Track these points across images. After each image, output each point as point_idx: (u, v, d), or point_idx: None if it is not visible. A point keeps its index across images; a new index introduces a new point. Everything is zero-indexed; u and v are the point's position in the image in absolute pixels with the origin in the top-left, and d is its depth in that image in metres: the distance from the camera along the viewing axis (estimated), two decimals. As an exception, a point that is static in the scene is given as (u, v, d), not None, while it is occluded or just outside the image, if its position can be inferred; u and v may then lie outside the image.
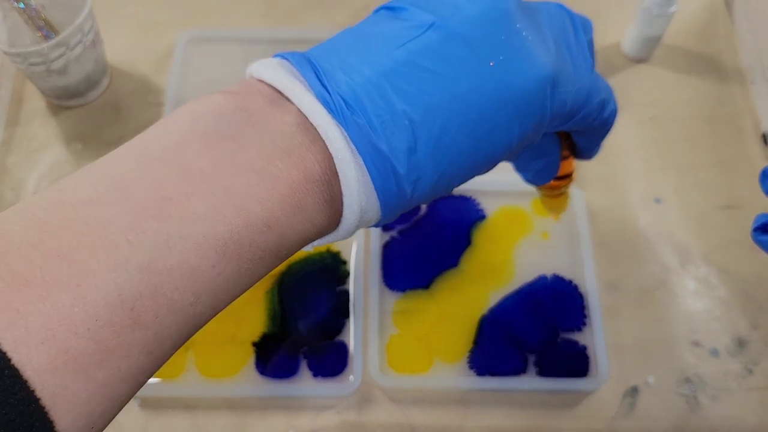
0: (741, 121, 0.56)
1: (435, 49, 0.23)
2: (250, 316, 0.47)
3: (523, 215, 0.51)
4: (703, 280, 0.49)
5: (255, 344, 0.46)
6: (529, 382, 0.45)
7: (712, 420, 0.45)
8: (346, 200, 0.23)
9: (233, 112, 0.22)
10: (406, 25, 0.23)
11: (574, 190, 0.51)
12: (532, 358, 0.46)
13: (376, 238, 0.49)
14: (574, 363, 0.45)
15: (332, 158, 0.22)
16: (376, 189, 0.23)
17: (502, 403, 0.45)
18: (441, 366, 0.45)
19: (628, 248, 0.51)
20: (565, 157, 0.33)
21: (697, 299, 0.49)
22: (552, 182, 0.34)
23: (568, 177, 0.35)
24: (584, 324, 0.47)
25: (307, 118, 0.22)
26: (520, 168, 0.32)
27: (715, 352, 0.47)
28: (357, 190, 0.22)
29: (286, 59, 0.24)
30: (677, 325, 0.48)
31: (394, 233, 0.50)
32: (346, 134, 0.22)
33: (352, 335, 0.46)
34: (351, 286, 0.48)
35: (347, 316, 0.47)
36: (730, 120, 0.56)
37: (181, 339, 0.20)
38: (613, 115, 0.29)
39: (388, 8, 0.25)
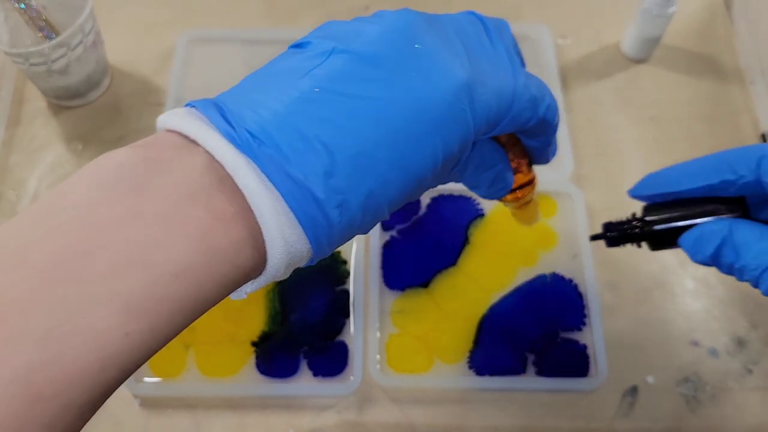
0: (740, 121, 0.56)
1: (339, 72, 0.23)
2: (251, 315, 0.47)
3: (523, 215, 0.51)
4: (702, 280, 0.49)
5: (255, 344, 0.46)
6: (529, 381, 0.45)
7: (711, 419, 0.45)
8: (266, 234, 0.22)
9: (138, 164, 0.21)
10: (310, 55, 0.23)
11: (573, 190, 0.51)
12: (531, 358, 0.46)
13: (376, 238, 0.49)
14: (574, 362, 0.45)
15: (243, 194, 0.21)
16: (297, 218, 0.22)
17: (502, 403, 0.45)
18: (441, 365, 0.46)
19: (627, 248, 0.51)
20: (517, 166, 0.32)
21: (696, 299, 0.49)
22: (512, 194, 0.33)
23: (528, 185, 0.33)
24: (584, 324, 0.47)
25: (214, 157, 0.22)
26: (471, 185, 0.30)
27: (714, 352, 0.47)
28: (276, 221, 0.21)
29: (194, 107, 0.23)
30: (676, 324, 0.48)
31: (393, 232, 0.50)
32: (256, 167, 0.21)
33: (352, 335, 0.46)
34: (351, 285, 0.48)
35: (347, 315, 0.47)
36: (730, 120, 0.56)
37: (92, 409, 0.19)
38: (551, 111, 0.28)
39: (295, 45, 0.25)
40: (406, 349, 0.46)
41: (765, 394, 0.45)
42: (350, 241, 0.49)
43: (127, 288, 0.19)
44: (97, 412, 0.43)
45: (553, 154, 0.32)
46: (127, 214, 0.20)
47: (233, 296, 0.24)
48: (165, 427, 0.45)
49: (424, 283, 0.48)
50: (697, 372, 0.46)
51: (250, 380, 0.45)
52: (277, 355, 0.46)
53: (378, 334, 0.46)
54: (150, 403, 0.45)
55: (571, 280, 0.48)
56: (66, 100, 0.56)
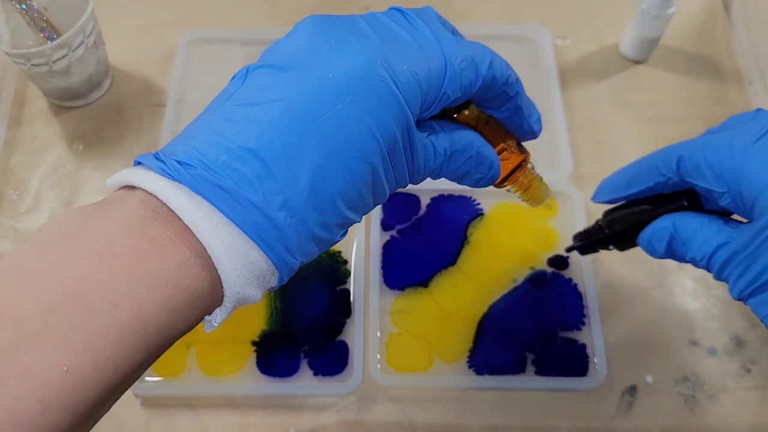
0: (739, 121, 0.56)
1: (255, 86, 0.24)
2: (252, 315, 0.47)
3: (521, 214, 0.51)
4: (701, 280, 0.50)
5: (256, 343, 0.46)
6: (528, 380, 0.45)
7: (710, 419, 0.45)
8: (209, 249, 0.22)
9: (76, 215, 0.22)
10: (233, 83, 0.25)
11: (572, 190, 0.51)
12: (531, 357, 0.46)
13: (376, 238, 0.50)
14: (573, 362, 0.46)
15: (179, 217, 0.22)
16: (239, 226, 0.22)
17: (502, 402, 0.45)
18: (441, 365, 0.46)
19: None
20: (504, 149, 0.31)
21: (695, 299, 0.49)
22: (510, 179, 0.33)
23: (521, 166, 0.32)
24: (583, 323, 0.47)
25: (149, 192, 0.22)
26: (457, 176, 0.30)
27: (713, 352, 0.47)
28: (215, 234, 0.22)
29: (138, 162, 0.24)
30: (675, 324, 0.48)
31: (393, 232, 0.50)
32: (188, 189, 0.22)
33: (352, 334, 0.46)
34: (351, 285, 0.48)
35: (348, 315, 0.47)
36: (728, 121, 0.56)
37: None
38: (497, 69, 0.28)
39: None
40: (406, 348, 0.46)
41: (764, 393, 0.46)
42: (351, 241, 0.50)
43: (64, 323, 0.19)
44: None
45: (537, 124, 0.32)
46: (61, 257, 0.21)
47: (206, 328, 0.24)
48: (166, 426, 0.45)
49: (424, 282, 0.48)
50: (696, 371, 0.46)
51: (250, 379, 0.45)
52: (277, 354, 0.46)
53: (378, 334, 0.46)
54: (151, 403, 0.45)
55: (570, 280, 0.48)
56: (67, 101, 0.57)
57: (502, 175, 0.32)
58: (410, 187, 0.51)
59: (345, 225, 0.26)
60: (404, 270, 0.49)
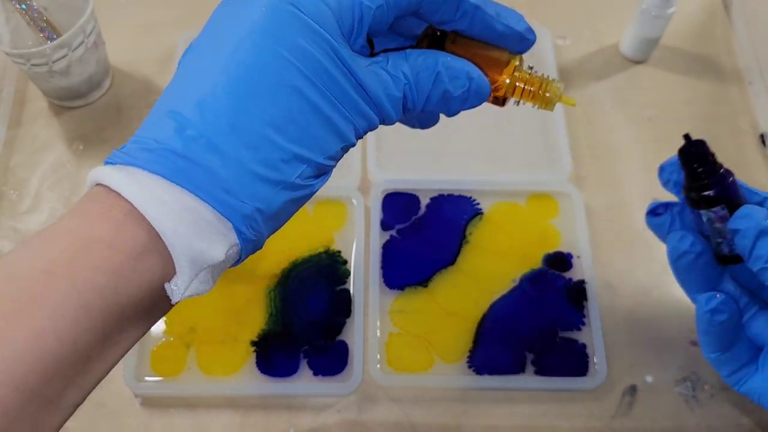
0: (739, 121, 0.56)
1: (184, 59, 0.26)
2: (252, 315, 0.47)
3: (521, 213, 0.51)
4: (701, 280, 0.49)
5: (256, 343, 0.46)
6: (529, 380, 0.45)
7: (710, 419, 0.45)
8: (138, 206, 0.22)
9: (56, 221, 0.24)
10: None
11: (572, 190, 0.51)
12: (531, 357, 0.46)
13: (376, 238, 0.50)
14: (573, 362, 0.46)
15: (112, 190, 0.23)
16: (166, 178, 0.22)
17: (502, 402, 0.45)
18: (441, 365, 0.46)
19: (626, 247, 0.51)
20: (485, 59, 0.30)
21: (695, 298, 0.49)
22: (512, 88, 0.31)
23: (515, 71, 0.31)
24: (583, 323, 0.47)
25: (102, 183, 0.23)
26: (442, 104, 0.28)
27: (713, 351, 0.47)
28: (142, 191, 0.22)
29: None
30: (675, 324, 0.48)
31: (393, 232, 0.50)
32: (119, 165, 0.23)
33: (352, 334, 0.46)
34: (351, 285, 0.48)
35: (348, 315, 0.47)
36: (728, 120, 0.56)
37: None
38: None
39: None
40: (406, 348, 0.46)
41: (763, 393, 0.46)
42: (351, 241, 0.50)
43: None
44: (99, 412, 0.44)
45: (517, 23, 0.30)
46: (16, 251, 0.22)
47: (171, 297, 0.23)
48: (166, 426, 0.45)
49: (424, 282, 0.48)
50: (696, 371, 0.46)
51: (250, 379, 0.45)
52: (277, 354, 0.46)
53: (378, 334, 0.46)
54: (151, 403, 0.45)
55: (570, 279, 0.48)
56: (67, 101, 0.57)
57: (492, 85, 0.30)
58: (410, 187, 0.52)
59: (298, 161, 0.24)
60: (404, 270, 0.49)
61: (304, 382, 0.45)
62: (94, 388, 0.23)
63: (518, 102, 0.32)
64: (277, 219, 0.26)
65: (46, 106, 0.57)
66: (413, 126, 0.32)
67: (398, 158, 0.54)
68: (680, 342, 0.47)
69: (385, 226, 0.50)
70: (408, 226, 0.50)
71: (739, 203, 0.31)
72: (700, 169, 0.32)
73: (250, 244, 0.25)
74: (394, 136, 0.55)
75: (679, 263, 0.31)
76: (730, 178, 0.31)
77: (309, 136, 0.24)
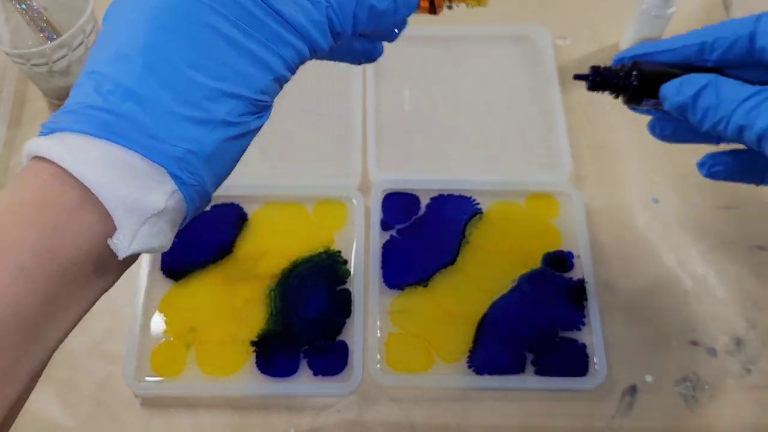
0: (739, 121, 0.56)
1: (105, 17, 0.25)
2: (252, 315, 0.47)
3: (520, 213, 0.51)
4: (700, 280, 0.50)
5: (256, 343, 0.46)
6: (528, 380, 0.45)
7: (709, 419, 0.45)
8: (62, 163, 0.22)
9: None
10: None
11: (572, 190, 0.51)
12: (531, 357, 0.46)
13: (376, 238, 0.50)
14: (573, 362, 0.46)
15: (40, 157, 0.23)
16: (90, 134, 0.22)
17: (502, 402, 0.45)
18: (440, 365, 0.46)
19: (627, 248, 0.51)
20: None
21: (695, 299, 0.49)
22: None
23: None
24: (583, 323, 0.47)
25: (32, 155, 0.23)
26: (373, 20, 0.28)
27: (713, 352, 0.47)
28: (65, 149, 0.22)
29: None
30: (675, 324, 0.48)
31: (393, 232, 0.50)
32: (54, 134, 0.23)
33: (352, 334, 0.46)
34: (351, 285, 0.48)
35: (348, 315, 0.47)
36: (728, 121, 0.56)
37: None
38: None
39: None
40: (405, 348, 0.46)
41: (763, 393, 0.46)
42: (351, 240, 0.50)
43: None
44: (99, 411, 0.44)
45: None
46: None
47: (118, 253, 0.23)
48: (166, 426, 0.45)
49: (424, 282, 0.48)
50: (695, 371, 0.46)
51: (250, 379, 0.45)
52: (277, 354, 0.46)
53: (378, 334, 0.46)
54: (151, 403, 0.45)
55: (570, 279, 0.48)
56: (67, 101, 0.56)
57: None
58: (410, 187, 0.52)
59: (225, 98, 0.24)
60: (404, 270, 0.49)
61: (304, 382, 0.45)
62: (50, 354, 0.23)
63: (450, 5, 0.32)
64: (217, 161, 0.25)
65: (46, 106, 0.57)
66: (358, 61, 0.32)
67: (398, 158, 0.54)
68: (680, 342, 0.47)
69: (385, 226, 0.50)
70: (408, 226, 0.51)
71: (661, 75, 0.35)
72: (610, 90, 0.36)
73: (191, 190, 0.24)
74: (395, 136, 0.55)
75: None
76: (633, 73, 0.35)
77: (232, 72, 0.24)
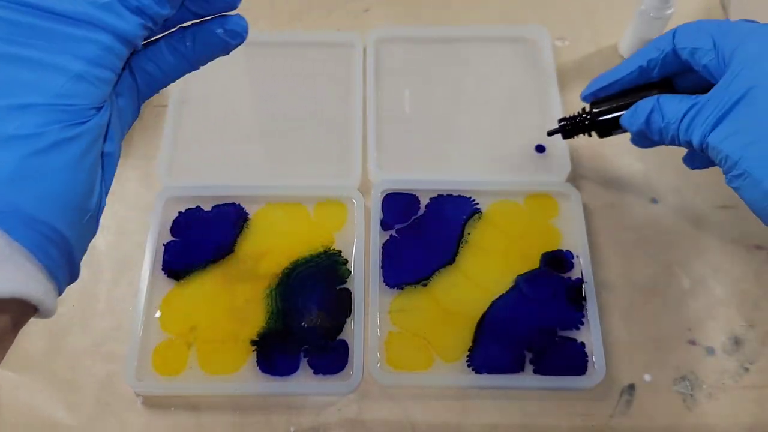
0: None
1: None
2: (252, 314, 0.47)
3: (520, 213, 0.52)
4: (699, 279, 0.50)
5: (256, 342, 0.47)
6: (527, 379, 0.45)
7: (708, 418, 0.45)
8: None
9: None
10: None
11: (571, 190, 0.52)
12: (530, 356, 0.46)
13: (376, 238, 0.50)
14: (572, 361, 0.46)
15: None
16: None
17: (501, 401, 0.46)
18: (440, 364, 0.46)
19: (625, 247, 0.51)
20: None
21: (694, 298, 0.49)
22: None
23: None
24: (582, 322, 0.47)
25: None
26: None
27: (711, 351, 0.47)
28: None
29: None
30: (674, 323, 0.48)
31: (393, 232, 0.50)
32: None
33: (352, 333, 0.47)
34: (351, 285, 0.48)
35: (348, 314, 0.47)
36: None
37: None
38: None
39: None
40: (405, 347, 0.46)
41: (761, 392, 0.46)
42: (350, 241, 0.50)
43: None
44: (100, 411, 0.44)
45: None
46: None
47: None
48: (167, 425, 0.45)
49: (424, 281, 0.49)
50: (694, 371, 0.47)
51: (251, 379, 0.45)
52: (277, 353, 0.46)
53: (378, 333, 0.47)
54: (152, 402, 0.46)
55: (569, 279, 0.49)
56: (69, 102, 0.57)
57: None
58: (410, 187, 0.52)
59: (12, 111, 0.23)
60: (404, 269, 0.49)
61: (305, 381, 0.45)
62: None
63: None
64: (29, 180, 0.23)
65: None
66: (224, 43, 0.31)
67: (398, 158, 0.54)
68: (679, 341, 0.48)
69: (385, 225, 0.51)
70: (408, 226, 0.51)
71: (617, 108, 0.42)
72: (579, 133, 0.46)
73: (14, 220, 0.22)
74: (395, 136, 0.55)
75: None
76: (589, 113, 0.44)
77: (11, 85, 0.23)
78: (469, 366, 0.46)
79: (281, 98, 0.58)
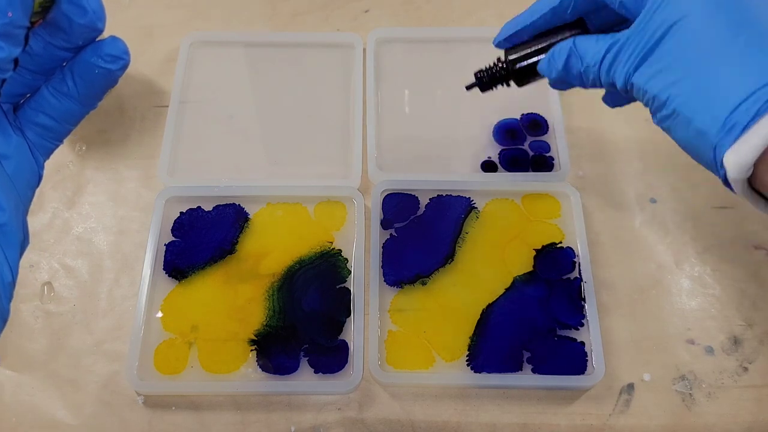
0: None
1: None
2: (253, 313, 0.48)
3: (519, 212, 0.52)
4: (698, 279, 0.50)
5: (257, 342, 0.47)
6: (527, 378, 0.45)
7: (707, 417, 0.45)
8: None
9: None
10: None
11: (571, 190, 0.52)
12: (529, 356, 0.46)
13: (376, 238, 0.50)
14: (571, 360, 0.46)
15: None
16: None
17: (501, 400, 0.46)
18: (440, 363, 0.46)
19: (624, 247, 0.51)
20: None
21: (692, 298, 0.49)
22: None
23: None
24: (581, 322, 0.47)
25: None
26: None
27: (710, 350, 0.47)
28: None
29: None
30: (673, 323, 0.48)
31: (392, 231, 0.51)
32: None
33: (352, 332, 0.47)
34: (352, 284, 0.49)
35: (348, 314, 0.47)
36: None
37: None
38: None
39: None
40: (405, 346, 0.47)
41: (760, 392, 0.46)
42: (350, 240, 0.50)
43: None
44: (101, 410, 0.44)
45: None
46: None
47: None
48: (168, 424, 0.45)
49: (423, 281, 0.49)
50: (693, 370, 0.47)
51: (251, 378, 0.46)
52: (278, 352, 0.46)
53: (378, 332, 0.47)
54: (153, 401, 0.46)
55: (568, 278, 0.49)
56: (70, 102, 0.57)
57: None
58: (410, 187, 0.52)
59: None
60: (403, 268, 0.49)
61: (305, 380, 0.46)
62: None
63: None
64: None
65: None
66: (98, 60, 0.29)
67: (398, 158, 0.54)
68: (678, 341, 0.48)
69: (384, 225, 0.51)
70: (407, 226, 0.51)
71: (534, 53, 0.40)
72: (500, 84, 0.43)
73: None
74: (395, 136, 0.55)
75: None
76: (505, 62, 0.42)
77: None
78: (468, 365, 0.46)
79: (281, 98, 0.58)
